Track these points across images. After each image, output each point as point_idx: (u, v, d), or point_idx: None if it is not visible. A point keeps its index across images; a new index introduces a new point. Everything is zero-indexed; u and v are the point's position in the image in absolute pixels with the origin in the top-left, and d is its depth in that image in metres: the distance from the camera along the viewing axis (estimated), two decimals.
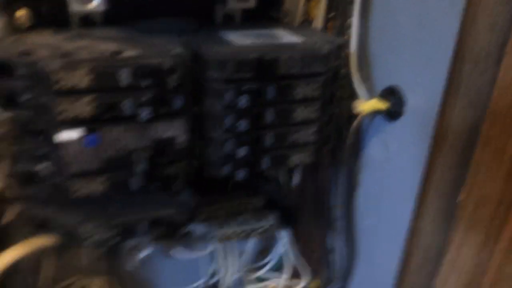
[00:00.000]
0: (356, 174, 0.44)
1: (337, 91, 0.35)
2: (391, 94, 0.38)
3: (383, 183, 0.41)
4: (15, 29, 0.30)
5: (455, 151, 0.33)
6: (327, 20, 0.40)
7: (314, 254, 0.50)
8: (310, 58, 0.30)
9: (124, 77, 0.26)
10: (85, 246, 0.33)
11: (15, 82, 0.25)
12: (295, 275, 0.52)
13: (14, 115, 0.26)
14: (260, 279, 0.54)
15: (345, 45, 0.35)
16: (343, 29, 0.39)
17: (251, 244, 0.52)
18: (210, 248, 0.47)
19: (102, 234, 0.31)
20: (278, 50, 0.30)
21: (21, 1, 0.29)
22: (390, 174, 0.40)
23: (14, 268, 0.36)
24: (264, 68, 0.29)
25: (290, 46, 0.31)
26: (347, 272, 0.48)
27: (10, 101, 0.25)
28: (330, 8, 0.40)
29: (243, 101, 0.29)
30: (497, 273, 0.32)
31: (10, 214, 0.33)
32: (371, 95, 0.40)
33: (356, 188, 0.45)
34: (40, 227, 0.31)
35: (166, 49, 0.28)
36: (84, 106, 0.26)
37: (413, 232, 0.37)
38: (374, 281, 0.44)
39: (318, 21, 0.40)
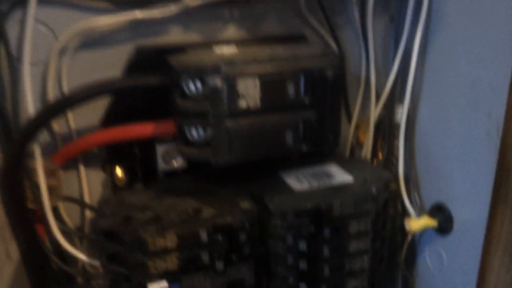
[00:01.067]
0: (412, 284, 0.46)
1: (388, 220, 0.39)
2: (440, 210, 0.41)
3: None
4: (113, 184, 0.36)
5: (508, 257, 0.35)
6: (375, 143, 0.45)
7: None
8: (361, 199, 0.34)
9: (203, 235, 0.31)
10: None
11: (112, 246, 0.31)
12: None
13: (115, 270, 0.31)
14: None
15: (392, 179, 0.39)
16: (391, 154, 0.43)
17: None
18: None
19: None
20: (332, 196, 0.34)
21: (118, 161, 0.36)
22: (446, 285, 0.42)
23: None
24: (320, 213, 0.33)
25: (343, 188, 0.35)
26: None
27: (112, 259, 0.31)
28: (377, 132, 0.45)
29: (302, 242, 0.33)
30: None
31: None
32: (421, 211, 0.43)
33: None
34: None
35: (235, 204, 0.33)
36: (171, 262, 0.31)
37: None
38: None
39: (368, 146, 0.44)
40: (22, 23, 0.32)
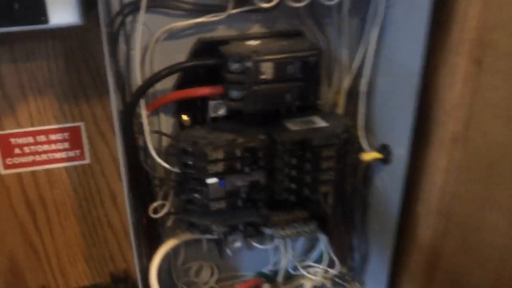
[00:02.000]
0: (368, 197, 0.70)
1: (349, 150, 0.62)
2: (384, 148, 0.64)
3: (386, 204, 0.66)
4: (181, 125, 0.59)
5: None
6: (347, 103, 0.67)
7: (343, 250, 0.76)
8: (329, 136, 0.57)
9: (238, 152, 0.54)
10: (212, 237, 0.61)
11: (186, 157, 0.54)
12: (331, 265, 0.77)
13: (185, 171, 0.55)
14: (307, 266, 0.80)
15: (352, 125, 0.62)
16: (356, 110, 0.65)
17: (302, 243, 0.77)
18: (275, 243, 0.75)
19: (221, 229, 0.59)
20: (313, 133, 0.57)
21: (184, 111, 0.59)
22: (388, 198, 0.66)
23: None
24: (304, 143, 0.56)
25: (320, 129, 0.58)
26: (363, 261, 0.74)
27: (185, 166, 0.55)
28: (348, 96, 0.67)
29: (293, 160, 0.57)
30: None
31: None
32: (372, 148, 0.66)
33: (367, 206, 0.70)
34: (189, 227, 0.60)
35: (256, 136, 0.56)
36: (220, 167, 0.54)
37: None
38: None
39: (341, 106, 0.67)
40: (133, 23, 0.54)
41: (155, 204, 0.62)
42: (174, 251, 0.70)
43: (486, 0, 0.44)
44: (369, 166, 0.67)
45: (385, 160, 0.63)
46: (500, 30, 0.43)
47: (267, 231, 0.66)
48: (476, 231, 0.53)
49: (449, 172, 0.54)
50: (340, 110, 0.66)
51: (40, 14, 0.48)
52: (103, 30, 0.49)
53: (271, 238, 0.72)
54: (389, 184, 0.64)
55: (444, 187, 0.55)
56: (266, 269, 0.76)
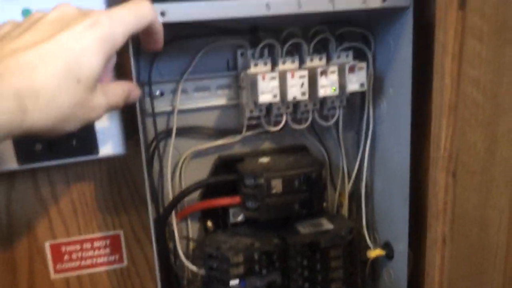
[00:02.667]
0: None
1: (355, 249, 0.69)
2: (387, 245, 0.71)
3: None
4: (206, 230, 0.69)
5: None
6: (350, 205, 0.76)
7: None
8: (335, 238, 0.65)
9: (256, 256, 0.63)
10: None
11: (211, 261, 0.63)
12: None
13: (210, 274, 0.63)
14: None
15: (355, 226, 0.70)
16: (360, 211, 0.74)
17: None
18: None
19: None
20: (321, 235, 0.65)
21: (208, 217, 0.69)
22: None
23: None
24: (314, 245, 0.64)
25: (327, 231, 0.66)
26: None
27: (210, 269, 0.63)
28: (351, 198, 0.76)
29: (305, 261, 0.64)
30: None
31: None
32: (376, 245, 0.73)
33: None
34: None
35: (271, 240, 0.65)
36: (240, 269, 0.62)
37: None
38: None
39: (345, 207, 0.76)
40: (165, 146, 0.66)
41: None
42: None
43: (452, 126, 0.54)
44: (376, 262, 0.74)
45: (389, 256, 0.70)
46: (464, 151, 0.53)
47: None
48: None
49: (443, 269, 0.61)
50: (344, 211, 0.74)
51: (93, 148, 0.60)
52: (143, 156, 0.60)
53: None
54: (394, 279, 0.70)
55: (440, 282, 0.62)
56: None
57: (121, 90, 0.45)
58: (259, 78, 0.59)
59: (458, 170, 0.55)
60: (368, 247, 0.72)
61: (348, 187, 0.73)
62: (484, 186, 0.53)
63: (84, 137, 0.60)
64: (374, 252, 0.70)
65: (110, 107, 0.42)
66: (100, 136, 0.60)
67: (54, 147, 0.59)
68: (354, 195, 0.74)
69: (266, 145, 0.71)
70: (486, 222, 0.53)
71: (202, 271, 0.66)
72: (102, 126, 0.60)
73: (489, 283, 0.54)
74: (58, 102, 0.34)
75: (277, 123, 0.65)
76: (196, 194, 0.68)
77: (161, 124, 0.65)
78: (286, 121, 0.65)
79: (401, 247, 0.67)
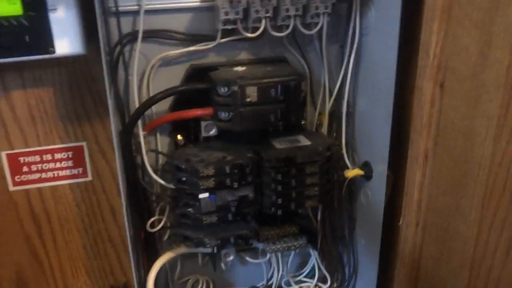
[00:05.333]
0: (354, 212, 0.74)
1: (332, 167, 0.66)
2: (366, 165, 0.68)
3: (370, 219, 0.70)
4: (176, 144, 0.64)
5: None
6: (330, 123, 0.72)
7: (333, 265, 0.79)
8: (312, 153, 0.62)
9: (227, 169, 0.59)
10: (205, 249, 0.65)
11: (180, 174, 0.59)
12: (324, 280, 0.80)
13: (179, 187, 0.60)
14: (300, 282, 0.83)
15: (334, 143, 0.66)
16: (339, 130, 0.70)
17: (294, 259, 0.80)
18: (268, 257, 0.78)
19: (213, 242, 0.63)
20: (297, 151, 0.61)
21: (179, 131, 0.64)
22: (372, 213, 0.70)
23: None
24: (289, 160, 0.61)
25: (304, 147, 0.62)
26: (353, 276, 0.77)
27: (178, 182, 0.59)
28: (331, 116, 0.72)
29: (279, 176, 0.61)
30: None
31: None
32: (354, 165, 0.70)
33: (354, 221, 0.74)
34: (184, 240, 0.64)
35: (244, 154, 0.61)
36: (210, 182, 0.59)
37: None
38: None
39: (325, 125, 0.72)
40: (131, 52, 0.60)
41: (152, 219, 0.66)
42: (171, 266, 0.74)
43: (444, 31, 0.49)
44: (354, 183, 0.71)
45: (367, 176, 0.67)
46: (455, 57, 0.48)
47: (259, 245, 0.71)
48: (449, 242, 0.56)
49: (423, 186, 0.58)
50: (324, 130, 0.70)
51: (48, 45, 0.54)
52: (104, 58, 0.54)
53: (264, 253, 0.76)
54: (372, 200, 0.68)
55: (419, 200, 0.59)
56: (260, 284, 0.80)
57: None
58: None
59: (447, 79, 0.51)
60: (346, 167, 0.69)
61: (328, 105, 0.69)
62: (473, 93, 0.49)
63: (38, 33, 0.53)
64: (352, 172, 0.67)
65: None
66: (56, 33, 0.54)
67: (4, 42, 0.52)
68: (335, 114, 0.70)
69: (243, 55, 0.65)
70: (473, 132, 0.50)
71: (171, 185, 0.62)
72: (58, 22, 0.54)
73: (469, 196, 0.51)
74: None
75: (255, 29, 0.59)
76: (165, 106, 0.64)
77: (126, 25, 0.59)
78: (265, 28, 0.59)
79: (381, 167, 0.64)
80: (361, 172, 0.67)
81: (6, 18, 0.51)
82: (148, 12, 0.58)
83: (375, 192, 0.66)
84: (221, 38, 0.60)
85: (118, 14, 0.57)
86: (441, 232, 0.57)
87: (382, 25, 0.60)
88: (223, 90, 0.57)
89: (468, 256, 0.54)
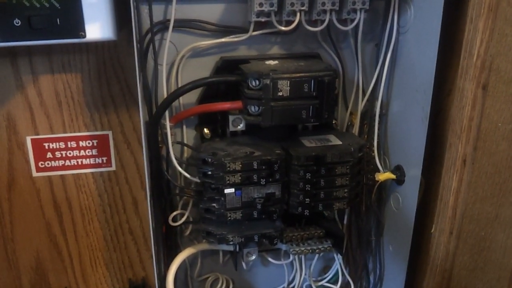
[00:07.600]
0: (382, 217, 0.71)
1: (363, 169, 0.63)
2: (398, 169, 0.65)
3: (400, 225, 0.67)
4: (202, 138, 0.63)
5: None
6: (362, 124, 0.70)
7: (358, 271, 0.76)
8: (343, 153, 0.59)
9: (255, 165, 0.57)
10: (227, 246, 0.63)
11: (206, 167, 0.57)
12: (347, 286, 0.76)
13: (204, 181, 0.58)
14: (322, 287, 0.80)
15: (366, 144, 0.64)
16: (372, 132, 0.67)
17: (317, 263, 0.78)
18: (290, 259, 0.76)
19: (237, 240, 0.61)
20: (327, 150, 0.59)
21: (205, 124, 0.63)
22: (402, 218, 0.67)
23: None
24: (319, 159, 0.58)
25: (334, 147, 0.60)
26: (379, 283, 0.74)
27: (204, 175, 0.58)
28: (363, 117, 0.69)
29: (308, 175, 0.59)
30: None
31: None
32: (386, 168, 0.68)
33: (382, 226, 0.71)
34: (206, 236, 0.62)
35: (273, 150, 0.59)
36: (236, 177, 0.57)
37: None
38: None
39: (356, 126, 0.69)
40: (161, 41, 0.59)
41: (174, 213, 0.65)
42: (191, 262, 0.72)
43: (490, 29, 0.47)
44: (384, 187, 0.68)
45: (399, 180, 0.65)
46: (502, 57, 0.45)
47: (282, 246, 0.68)
48: (486, 252, 0.53)
49: (459, 192, 0.55)
50: (355, 131, 0.68)
51: (79, 29, 0.53)
52: (135, 46, 0.53)
53: (287, 254, 0.74)
54: (403, 205, 0.65)
55: (455, 207, 0.56)
56: (281, 287, 0.78)
57: None
58: None
59: (491, 80, 0.48)
60: (377, 170, 0.66)
61: (361, 105, 0.67)
62: None
63: (69, 16, 0.52)
64: (384, 175, 0.65)
65: None
66: (87, 18, 0.53)
67: (35, 24, 0.52)
68: (367, 115, 0.67)
69: (275, 50, 0.63)
70: None
71: (195, 179, 0.60)
72: (89, 7, 0.53)
73: (510, 204, 0.48)
74: None
75: (289, 22, 0.57)
76: (194, 98, 0.62)
77: (158, 13, 0.58)
78: (300, 21, 0.57)
79: (414, 172, 0.61)
80: (393, 176, 0.64)
81: (39, 0, 0.50)
82: (180, 1, 0.57)
83: (407, 197, 0.64)
84: (254, 30, 0.59)
85: (150, 1, 0.56)
86: (477, 241, 0.54)
87: (421, 23, 0.57)
88: (254, 83, 0.55)
89: (508, 268, 0.51)
